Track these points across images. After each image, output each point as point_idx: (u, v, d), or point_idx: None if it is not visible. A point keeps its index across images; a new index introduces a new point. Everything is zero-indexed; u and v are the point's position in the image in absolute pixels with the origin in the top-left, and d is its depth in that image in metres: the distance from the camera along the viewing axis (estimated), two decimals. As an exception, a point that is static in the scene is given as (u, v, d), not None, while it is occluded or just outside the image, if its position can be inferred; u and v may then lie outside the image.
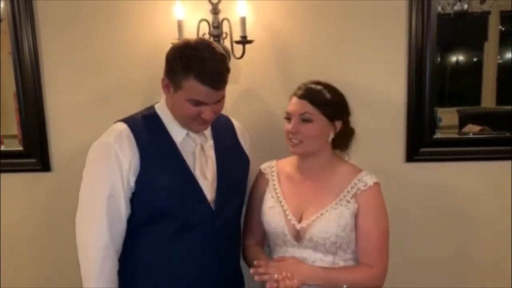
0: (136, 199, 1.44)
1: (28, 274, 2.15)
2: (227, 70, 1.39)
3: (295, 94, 1.51)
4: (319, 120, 1.47)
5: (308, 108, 1.46)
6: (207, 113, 1.39)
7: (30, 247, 2.14)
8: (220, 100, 1.42)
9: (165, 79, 1.42)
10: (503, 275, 2.02)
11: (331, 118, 1.49)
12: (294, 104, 1.49)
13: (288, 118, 1.51)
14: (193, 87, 1.34)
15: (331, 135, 1.51)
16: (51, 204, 2.09)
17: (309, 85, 1.50)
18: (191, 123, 1.43)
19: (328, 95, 1.48)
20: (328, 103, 1.48)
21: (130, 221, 1.46)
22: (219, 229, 1.48)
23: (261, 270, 1.43)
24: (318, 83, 1.51)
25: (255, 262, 1.48)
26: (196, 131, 1.48)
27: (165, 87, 1.43)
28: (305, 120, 1.47)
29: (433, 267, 2.05)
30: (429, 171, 1.98)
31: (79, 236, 1.44)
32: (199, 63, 1.34)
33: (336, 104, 1.50)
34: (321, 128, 1.48)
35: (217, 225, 1.48)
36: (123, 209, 1.42)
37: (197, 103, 1.37)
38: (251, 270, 1.45)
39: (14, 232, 2.12)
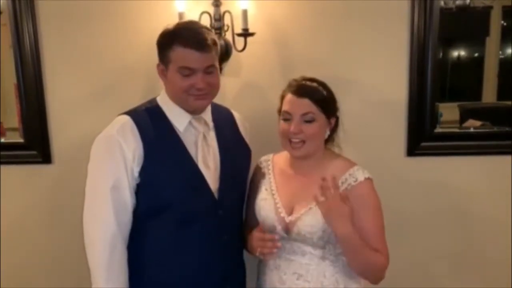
0: (140, 190, 1.44)
1: (29, 266, 2.15)
2: (211, 37, 1.42)
3: (290, 92, 1.47)
4: (320, 118, 1.45)
5: (311, 107, 1.43)
6: (199, 81, 1.40)
7: (30, 239, 2.13)
8: (212, 71, 1.43)
9: (159, 64, 1.46)
10: (503, 271, 2.03)
11: (329, 115, 1.48)
12: (294, 103, 1.45)
13: (287, 118, 1.47)
14: (180, 53, 1.39)
15: (328, 132, 1.50)
16: (52, 196, 2.09)
17: (304, 82, 1.47)
18: (187, 99, 1.44)
19: (324, 92, 1.46)
20: (325, 100, 1.46)
21: (135, 213, 1.46)
22: (222, 219, 1.49)
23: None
24: (311, 80, 1.48)
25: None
26: (195, 108, 1.47)
27: (161, 72, 1.47)
28: (308, 120, 1.44)
29: (433, 262, 2.05)
30: (430, 165, 1.98)
31: (86, 229, 1.43)
32: (182, 32, 1.41)
33: (331, 101, 1.48)
34: (322, 127, 1.47)
35: (220, 214, 1.48)
36: (128, 200, 1.43)
37: (187, 71, 1.40)
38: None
39: (15, 224, 2.12)
